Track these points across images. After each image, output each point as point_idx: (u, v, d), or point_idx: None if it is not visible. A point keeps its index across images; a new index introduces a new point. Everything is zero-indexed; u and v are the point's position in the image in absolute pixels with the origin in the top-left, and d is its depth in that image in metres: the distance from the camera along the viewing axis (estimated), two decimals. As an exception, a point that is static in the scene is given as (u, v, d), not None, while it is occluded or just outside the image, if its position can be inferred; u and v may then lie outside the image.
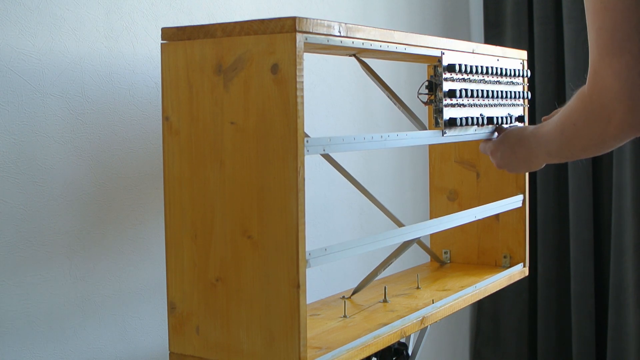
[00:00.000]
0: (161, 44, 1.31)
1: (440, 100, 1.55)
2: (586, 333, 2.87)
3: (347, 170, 1.72)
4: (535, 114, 2.88)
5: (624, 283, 2.75)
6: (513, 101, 1.79)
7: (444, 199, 2.05)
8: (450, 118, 1.56)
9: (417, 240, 1.78)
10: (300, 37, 1.17)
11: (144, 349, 1.68)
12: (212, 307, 1.28)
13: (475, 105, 1.65)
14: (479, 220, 1.83)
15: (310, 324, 1.46)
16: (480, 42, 2.78)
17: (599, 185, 2.90)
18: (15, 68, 1.44)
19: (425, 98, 1.58)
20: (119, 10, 1.62)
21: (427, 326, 1.61)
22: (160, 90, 1.37)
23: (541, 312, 3.00)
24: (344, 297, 1.68)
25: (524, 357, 3.06)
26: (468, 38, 3.06)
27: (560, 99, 2.90)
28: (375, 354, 1.54)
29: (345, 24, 1.29)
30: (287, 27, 1.17)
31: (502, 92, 1.73)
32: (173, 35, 1.30)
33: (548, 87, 2.94)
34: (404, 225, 1.61)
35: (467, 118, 1.59)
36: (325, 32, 1.23)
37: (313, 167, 2.10)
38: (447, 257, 2.07)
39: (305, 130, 1.21)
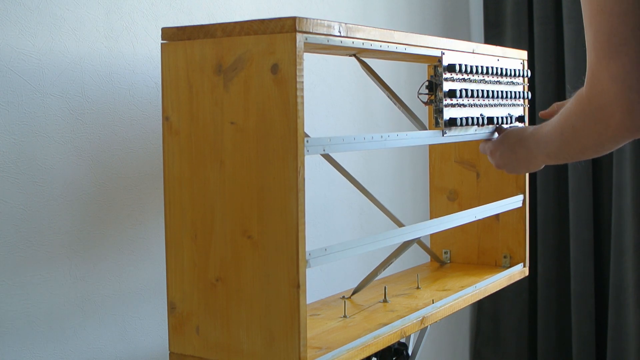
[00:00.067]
0: (161, 44, 1.31)
1: (441, 100, 1.55)
2: (586, 333, 2.87)
3: (347, 170, 1.72)
4: (535, 114, 2.87)
5: (624, 283, 2.75)
6: (513, 101, 1.79)
7: (444, 199, 2.05)
8: (450, 118, 1.56)
9: (417, 240, 1.78)
10: (300, 37, 1.17)
11: (144, 349, 1.69)
12: (212, 307, 1.28)
13: (475, 105, 1.64)
14: (479, 220, 1.83)
15: (310, 324, 1.46)
16: (480, 42, 2.78)
17: (599, 185, 2.90)
18: (15, 68, 1.44)
19: (425, 98, 1.58)
20: (119, 10, 1.62)
21: (427, 326, 1.61)
22: (160, 90, 1.37)
23: (541, 312, 3.00)
24: (344, 297, 1.68)
25: (524, 357, 3.06)
26: (468, 38, 3.06)
27: (560, 99, 2.90)
28: (375, 354, 1.54)
29: (345, 24, 1.29)
30: (287, 27, 1.17)
31: (502, 92, 1.73)
32: (173, 35, 1.30)
33: (548, 87, 2.94)
34: (404, 225, 1.61)
35: (467, 118, 1.59)
36: (325, 32, 1.23)
37: (313, 167, 2.10)
38: (447, 257, 2.07)
39: (305, 130, 1.21)
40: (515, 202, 1.92)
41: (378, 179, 2.47)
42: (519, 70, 1.83)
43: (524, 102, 1.86)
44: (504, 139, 1.57)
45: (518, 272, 1.96)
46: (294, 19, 1.16)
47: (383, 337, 1.42)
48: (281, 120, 1.18)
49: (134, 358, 1.66)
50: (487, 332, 3.10)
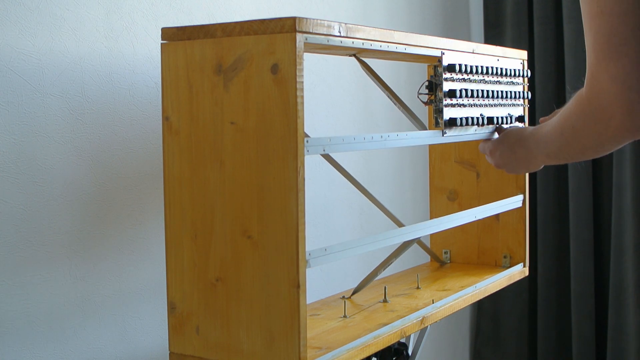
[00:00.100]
0: (161, 44, 1.31)
1: (441, 100, 1.55)
2: (586, 333, 2.87)
3: (347, 170, 1.72)
4: (535, 114, 2.88)
5: (624, 283, 2.75)
6: (513, 101, 1.79)
7: (444, 199, 2.05)
8: (450, 118, 1.56)
9: (417, 240, 1.78)
10: (300, 37, 1.17)
11: (144, 349, 1.69)
12: (212, 307, 1.28)
13: (475, 105, 1.64)
14: (479, 220, 1.83)
15: (310, 324, 1.46)
16: (480, 42, 2.78)
17: (599, 185, 2.90)
18: (15, 68, 1.44)
19: (425, 98, 1.58)
20: (119, 10, 1.62)
21: (427, 326, 1.61)
22: (160, 90, 1.37)
23: (541, 312, 3.00)
24: (344, 297, 1.68)
25: (524, 357, 3.06)
26: (468, 38, 3.06)
27: (560, 99, 2.90)
28: (375, 354, 1.54)
29: (345, 24, 1.29)
30: (287, 27, 1.17)
31: (502, 92, 1.73)
32: (173, 35, 1.30)
33: (548, 87, 2.95)
34: (404, 225, 1.61)
35: (467, 118, 1.59)
36: (325, 32, 1.23)
37: (313, 167, 2.10)
38: (447, 257, 2.07)
39: (305, 130, 1.21)
40: (515, 202, 1.92)
41: (378, 179, 2.47)
42: (519, 70, 1.83)
43: (524, 102, 1.86)
44: (503, 139, 1.57)
45: (518, 272, 1.96)
46: (294, 19, 1.16)
47: (383, 337, 1.42)
48: (281, 120, 1.18)
49: (134, 358, 1.66)
50: (487, 332, 3.10)
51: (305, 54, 1.19)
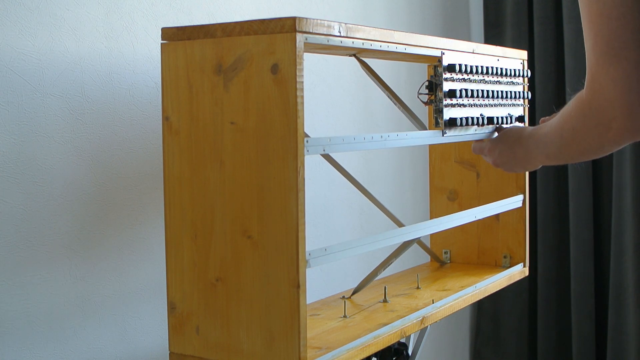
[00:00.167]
0: (161, 44, 1.31)
1: (441, 100, 1.54)
2: (586, 333, 2.87)
3: (347, 170, 1.72)
4: (535, 114, 2.88)
5: (624, 283, 2.75)
6: (513, 101, 1.79)
7: (444, 199, 2.05)
8: (450, 118, 1.56)
9: (417, 240, 1.78)
10: (300, 37, 1.17)
11: (144, 349, 1.69)
12: (212, 307, 1.28)
13: (475, 105, 1.64)
14: (479, 220, 1.83)
15: (310, 324, 1.46)
16: (480, 42, 2.78)
17: (599, 186, 2.90)
18: (15, 68, 1.44)
19: (425, 98, 1.58)
20: (119, 10, 1.62)
21: (427, 326, 1.61)
22: (160, 90, 1.37)
23: (541, 312, 3.00)
24: (344, 297, 1.68)
25: (524, 357, 3.06)
26: (468, 38, 3.06)
27: (560, 99, 2.90)
28: (375, 354, 1.54)
29: (345, 24, 1.29)
30: (287, 27, 1.17)
31: (502, 92, 1.73)
32: (173, 35, 1.30)
33: (548, 87, 2.95)
34: (404, 225, 1.61)
35: (467, 118, 1.59)
36: (325, 32, 1.23)
37: (313, 167, 2.10)
38: (447, 257, 2.07)
39: (305, 130, 1.21)
40: (515, 202, 1.92)
41: (378, 179, 2.47)
42: (519, 70, 1.83)
43: (524, 102, 1.86)
44: (503, 138, 1.57)
45: (518, 272, 1.96)
46: (294, 19, 1.16)
47: (383, 337, 1.42)
48: (281, 120, 1.18)
49: (134, 358, 1.66)
50: (487, 332, 3.10)
51: (305, 54, 1.19)
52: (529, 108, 1.90)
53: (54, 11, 1.50)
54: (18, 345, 1.45)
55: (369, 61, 1.64)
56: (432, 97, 1.56)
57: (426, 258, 2.13)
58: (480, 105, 1.67)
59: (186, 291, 1.31)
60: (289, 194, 1.18)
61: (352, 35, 1.31)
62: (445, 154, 2.04)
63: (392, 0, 2.54)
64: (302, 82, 1.17)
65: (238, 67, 1.22)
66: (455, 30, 2.96)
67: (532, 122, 2.71)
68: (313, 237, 2.14)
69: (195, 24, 1.75)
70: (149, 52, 1.67)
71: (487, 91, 1.68)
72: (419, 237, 1.63)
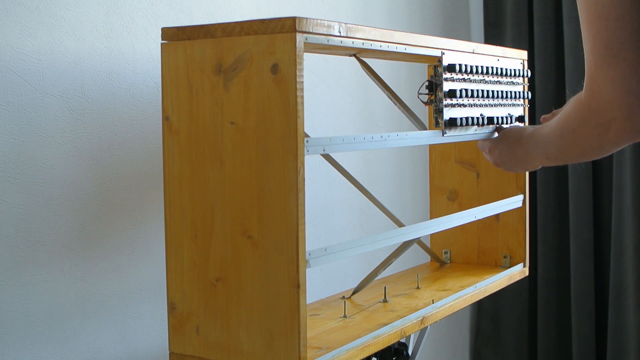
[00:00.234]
0: (161, 44, 1.31)
1: (441, 100, 1.54)
2: (586, 333, 2.87)
3: (347, 170, 1.72)
4: (535, 114, 2.88)
5: (624, 283, 2.75)
6: (513, 101, 1.79)
7: (444, 199, 2.05)
8: (450, 118, 1.56)
9: (417, 240, 1.78)
10: (300, 37, 1.17)
11: (144, 349, 1.69)
12: (212, 307, 1.28)
13: (475, 105, 1.64)
14: (479, 220, 1.83)
15: (310, 324, 1.46)
16: (480, 42, 2.78)
17: (599, 186, 2.90)
18: (15, 68, 1.44)
19: (425, 98, 1.58)
20: (119, 10, 1.62)
21: (427, 326, 1.61)
22: (160, 90, 1.37)
23: (541, 312, 3.00)
24: (344, 297, 1.68)
25: (524, 357, 3.06)
26: (468, 38, 3.06)
27: (560, 99, 2.90)
28: (375, 354, 1.54)
29: (345, 24, 1.29)
30: (287, 27, 1.17)
31: (502, 92, 1.73)
32: (173, 35, 1.30)
33: (548, 87, 2.94)
34: (404, 225, 1.61)
35: (467, 118, 1.59)
36: (325, 32, 1.23)
37: (313, 167, 2.10)
38: (447, 257, 2.07)
39: (305, 130, 1.21)
40: (515, 202, 1.92)
41: (378, 179, 2.47)
42: (519, 70, 1.83)
43: (524, 102, 1.86)
44: (503, 138, 1.58)
45: (518, 272, 1.96)
46: (294, 19, 1.16)
47: (383, 337, 1.42)
48: (281, 120, 1.18)
49: (134, 358, 1.66)
50: (487, 332, 3.10)
51: (305, 54, 1.19)
52: (529, 108, 1.90)
53: (54, 11, 1.50)
54: (18, 345, 1.45)
55: (369, 61, 1.64)
56: (432, 97, 1.56)
57: (426, 258, 2.13)
58: (480, 105, 1.67)
59: (186, 291, 1.31)
60: (289, 194, 1.18)
61: (352, 35, 1.31)
62: (445, 154, 2.04)
63: (392, 0, 2.54)
64: (302, 82, 1.17)
65: (238, 67, 1.22)
66: (455, 30, 2.96)
67: (532, 122, 2.71)
68: (313, 237, 2.14)
69: (195, 24, 1.75)
70: (149, 52, 1.67)
71: (487, 91, 1.68)
72: (419, 237, 1.63)
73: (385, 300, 1.64)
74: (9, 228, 1.43)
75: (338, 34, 1.27)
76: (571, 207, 2.88)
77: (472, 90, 1.61)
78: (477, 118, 1.62)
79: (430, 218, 2.04)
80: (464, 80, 1.61)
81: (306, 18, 1.18)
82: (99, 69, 1.58)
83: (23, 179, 1.45)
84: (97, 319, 1.59)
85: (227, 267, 1.26)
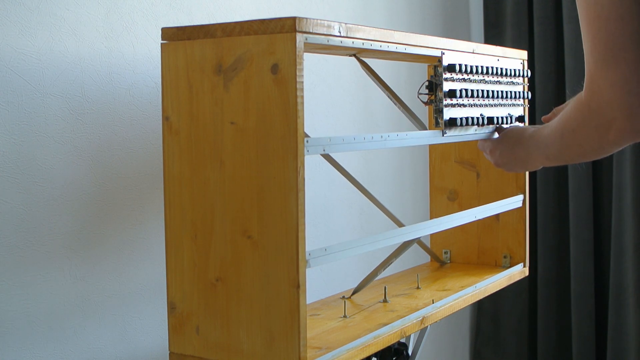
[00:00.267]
0: (161, 44, 1.31)
1: (441, 100, 1.54)
2: (586, 333, 2.86)
3: (347, 170, 1.72)
4: (535, 114, 2.88)
5: (624, 283, 2.75)
6: (513, 101, 1.79)
7: (444, 199, 2.05)
8: (450, 118, 1.56)
9: (417, 240, 1.78)
10: (300, 37, 1.17)
11: (144, 349, 1.69)
12: (212, 307, 1.28)
13: (475, 105, 1.64)
14: (479, 220, 1.83)
15: (310, 324, 1.46)
16: (480, 42, 2.78)
17: (599, 186, 2.90)
18: (15, 68, 1.44)
19: (425, 98, 1.58)
20: (119, 10, 1.62)
21: (427, 326, 1.61)
22: (160, 90, 1.37)
23: (541, 312, 3.00)
24: (344, 297, 1.68)
25: (524, 357, 3.06)
26: (468, 38, 3.06)
27: (560, 99, 2.90)
28: (375, 354, 1.54)
29: (345, 24, 1.29)
30: (287, 27, 1.17)
31: (502, 92, 1.73)
32: (173, 35, 1.30)
33: (548, 87, 2.94)
34: (404, 225, 1.61)
35: (467, 118, 1.59)
36: (325, 32, 1.23)
37: (313, 167, 2.10)
38: (447, 257, 2.07)
39: (305, 130, 1.21)
40: (515, 202, 1.92)
41: (378, 179, 2.47)
42: (519, 70, 1.83)
43: (524, 102, 1.86)
44: (503, 138, 1.58)
45: (518, 272, 1.96)
46: (294, 19, 1.16)
47: (383, 337, 1.42)
48: (281, 120, 1.18)
49: (134, 358, 1.66)
50: (487, 332, 3.10)
51: (305, 54, 1.19)
52: (529, 108, 1.90)
53: (54, 11, 1.50)
54: (18, 345, 1.45)
55: (369, 61, 1.64)
56: (432, 97, 1.56)
57: (426, 258, 2.13)
58: (480, 105, 1.67)
59: (186, 291, 1.31)
60: (289, 194, 1.18)
61: (352, 35, 1.31)
62: (445, 154, 2.04)
63: (392, 0, 2.54)
64: (302, 82, 1.17)
65: (238, 67, 1.22)
66: (455, 30, 2.96)
67: (532, 122, 2.71)
68: (313, 237, 2.14)
69: (195, 24, 1.75)
70: (149, 52, 1.67)
71: (487, 91, 1.68)
72: (419, 237, 1.63)
73: (385, 300, 1.64)
74: (9, 228, 1.43)
75: (338, 34, 1.27)
76: (571, 207, 2.88)
77: (472, 90, 1.61)
78: (477, 118, 1.63)
79: (430, 218, 2.04)
80: (464, 80, 1.61)
81: (306, 18, 1.18)
82: (99, 69, 1.58)
83: (23, 179, 1.45)
84: (97, 319, 1.59)
85: (227, 267, 1.26)
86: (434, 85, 1.55)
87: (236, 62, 1.22)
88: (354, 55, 1.58)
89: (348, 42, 1.30)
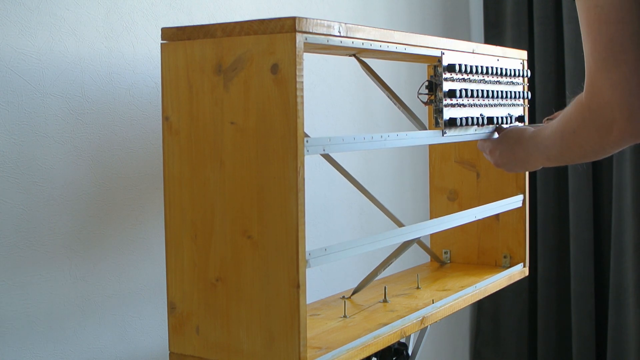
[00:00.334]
0: (161, 44, 1.31)
1: (440, 100, 1.54)
2: (586, 333, 2.86)
3: (347, 170, 1.72)
4: (535, 114, 2.88)
5: (624, 283, 2.75)
6: (513, 101, 1.79)
7: (444, 199, 2.05)
8: (450, 118, 1.56)
9: (417, 240, 1.78)
10: (300, 37, 1.17)
11: (144, 349, 1.68)
12: (212, 307, 1.28)
13: (475, 105, 1.64)
14: (479, 220, 1.83)
15: (310, 324, 1.46)
16: (480, 42, 2.78)
17: (599, 186, 2.90)
18: (15, 68, 1.44)
19: (425, 98, 1.58)
20: (119, 10, 1.62)
21: (427, 326, 1.61)
22: (160, 90, 1.37)
23: (541, 312, 3.00)
24: (344, 297, 1.68)
25: (524, 357, 3.06)
26: (468, 38, 3.06)
27: (560, 99, 2.90)
28: (375, 354, 1.54)
29: (345, 24, 1.29)
30: (287, 27, 1.17)
31: (502, 92, 1.73)
32: (173, 35, 1.30)
33: (548, 87, 2.94)
34: (404, 225, 1.61)
35: (467, 118, 1.59)
36: (325, 32, 1.23)
37: (313, 167, 2.10)
38: (447, 257, 2.07)
39: (305, 130, 1.21)
40: (515, 202, 1.92)
41: (378, 179, 2.47)
42: (519, 70, 1.83)
43: (524, 102, 1.86)
44: (503, 138, 1.58)
45: (518, 272, 1.96)
46: (293, 19, 1.16)
47: (383, 337, 1.42)
48: (281, 120, 1.18)
49: (134, 358, 1.66)
50: (487, 332, 3.10)
51: (305, 54, 1.19)
52: (529, 108, 1.90)
53: (54, 11, 1.50)
54: (18, 345, 1.45)
55: (369, 61, 1.64)
56: (432, 97, 1.56)
57: (426, 258, 2.13)
58: (480, 105, 1.67)
59: (186, 291, 1.31)
60: (289, 194, 1.18)
61: (352, 35, 1.31)
62: (445, 154, 2.04)
63: (392, 0, 2.54)
64: (302, 82, 1.17)
65: (238, 67, 1.22)
66: (455, 30, 2.96)
67: (532, 122, 2.71)
68: (313, 237, 2.14)
69: (195, 24, 1.75)
70: (149, 52, 1.67)
71: (487, 91, 1.68)
72: (419, 237, 1.63)
73: (385, 300, 1.64)
74: (9, 228, 1.43)
75: (338, 34, 1.27)
76: (571, 207, 2.88)
77: (472, 90, 1.61)
78: (477, 118, 1.63)
79: (430, 218, 2.04)
80: (464, 80, 1.61)
81: (306, 18, 1.18)
82: (99, 69, 1.58)
83: (23, 179, 1.45)
84: (97, 319, 1.59)
85: (227, 267, 1.26)
86: (434, 85, 1.56)
87: (236, 62, 1.22)
88: (354, 55, 1.58)
89: (348, 42, 1.30)
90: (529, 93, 1.86)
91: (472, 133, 1.64)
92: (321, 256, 1.24)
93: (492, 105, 1.71)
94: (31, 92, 1.46)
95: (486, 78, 1.69)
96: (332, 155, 1.67)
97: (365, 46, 1.35)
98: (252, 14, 1.94)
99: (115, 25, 1.61)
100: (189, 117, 1.28)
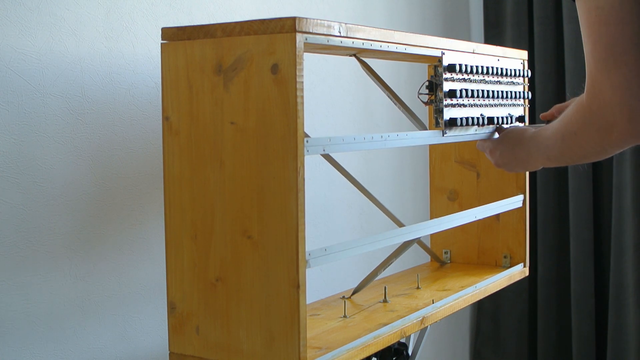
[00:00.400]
0: (161, 44, 1.31)
1: (441, 100, 1.54)
2: (586, 333, 2.86)
3: (347, 170, 1.72)
4: (535, 114, 2.88)
5: (624, 283, 2.75)
6: (513, 101, 1.79)
7: (444, 199, 2.05)
8: (450, 118, 1.56)
9: (417, 240, 1.78)
10: (300, 37, 1.17)
11: (144, 349, 1.68)
12: (212, 307, 1.28)
13: (475, 105, 1.64)
14: (479, 220, 1.83)
15: (310, 324, 1.46)
16: (480, 42, 2.78)
17: (599, 186, 2.90)
18: (15, 68, 1.44)
19: (425, 98, 1.58)
20: (119, 10, 1.62)
21: (427, 326, 1.61)
22: (160, 90, 1.37)
23: (541, 312, 3.00)
24: (344, 297, 1.68)
25: (524, 357, 3.06)
26: (468, 38, 3.06)
27: (560, 99, 2.90)
28: (375, 354, 1.54)
29: (345, 24, 1.29)
30: (287, 27, 1.17)
31: (502, 92, 1.73)
32: (173, 35, 1.30)
33: (548, 87, 2.94)
34: (404, 225, 1.61)
35: (467, 118, 1.59)
36: (325, 32, 1.23)
37: (313, 167, 2.10)
38: (447, 257, 2.07)
39: (305, 130, 1.21)
40: (515, 202, 1.92)
41: (378, 179, 2.47)
42: (519, 70, 1.83)
43: (524, 102, 1.86)
44: (504, 138, 1.58)
45: (518, 272, 1.96)
46: (294, 19, 1.16)
47: (383, 337, 1.42)
48: (281, 120, 1.18)
49: (134, 358, 1.66)
50: (487, 332, 3.10)
51: (305, 54, 1.19)
52: (529, 108, 1.90)
53: (54, 11, 1.50)
54: (18, 345, 1.45)
55: (369, 61, 1.64)
56: (432, 97, 1.56)
57: (426, 258, 2.13)
58: (481, 105, 1.67)
59: (186, 291, 1.31)
60: (289, 194, 1.18)
61: (352, 35, 1.31)
62: (446, 154, 2.04)
63: (392, 0, 2.54)
64: (302, 82, 1.17)
65: (238, 67, 1.22)
66: (455, 30, 2.96)
67: (533, 122, 2.70)
68: (313, 237, 2.14)
69: (195, 24, 1.75)
70: (149, 52, 1.67)
71: (487, 91, 1.68)
72: (419, 237, 1.63)
73: (385, 300, 1.64)
74: (9, 228, 1.43)
75: (338, 34, 1.27)
76: (571, 207, 2.88)
77: (472, 90, 1.61)
78: (477, 118, 1.62)
79: (431, 218, 2.04)
80: (464, 80, 1.61)
81: (306, 18, 1.18)
82: (99, 69, 1.58)
83: (23, 179, 1.45)
84: (97, 319, 1.59)
85: (227, 267, 1.26)
86: (434, 85, 1.55)
87: (236, 62, 1.22)
88: (354, 55, 1.58)
89: (348, 42, 1.30)
90: (529, 93, 1.86)
91: (472, 133, 1.64)
92: (321, 256, 1.24)
93: (492, 106, 1.71)
94: (31, 92, 1.46)
95: (486, 78, 1.69)
96: (332, 155, 1.67)
97: (365, 46, 1.35)
98: (252, 14, 1.94)
99: (115, 25, 1.61)
100: (189, 117, 1.28)
